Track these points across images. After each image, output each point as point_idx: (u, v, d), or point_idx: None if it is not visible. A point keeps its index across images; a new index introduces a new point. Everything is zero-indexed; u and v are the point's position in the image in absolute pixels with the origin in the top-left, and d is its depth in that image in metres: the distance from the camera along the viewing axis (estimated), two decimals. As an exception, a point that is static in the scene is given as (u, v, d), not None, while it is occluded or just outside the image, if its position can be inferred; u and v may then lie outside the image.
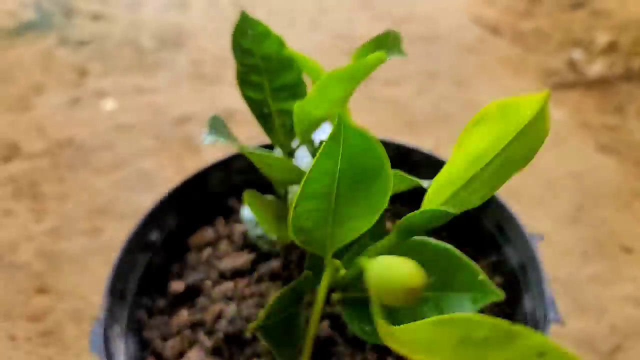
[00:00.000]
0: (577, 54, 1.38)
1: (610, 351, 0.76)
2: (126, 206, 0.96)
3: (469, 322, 0.24)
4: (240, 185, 0.59)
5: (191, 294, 0.55)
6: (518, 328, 0.23)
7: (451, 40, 1.50)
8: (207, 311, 0.51)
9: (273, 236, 0.52)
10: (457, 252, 0.36)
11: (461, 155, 0.31)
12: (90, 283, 0.83)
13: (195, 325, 0.51)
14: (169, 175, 1.04)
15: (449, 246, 0.36)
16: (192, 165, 1.06)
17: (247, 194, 0.44)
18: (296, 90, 0.45)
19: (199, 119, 1.20)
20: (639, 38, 1.39)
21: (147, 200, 0.96)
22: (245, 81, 0.44)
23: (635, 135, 1.16)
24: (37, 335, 0.77)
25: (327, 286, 0.35)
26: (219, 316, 0.49)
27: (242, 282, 0.52)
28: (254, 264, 0.55)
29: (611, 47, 1.37)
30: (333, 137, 0.30)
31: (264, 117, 0.46)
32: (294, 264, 0.52)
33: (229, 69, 1.39)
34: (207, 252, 0.59)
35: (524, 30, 1.53)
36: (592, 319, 0.81)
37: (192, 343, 0.49)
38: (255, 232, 0.56)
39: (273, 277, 0.52)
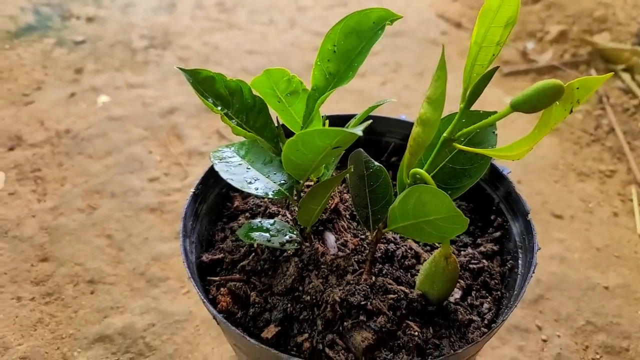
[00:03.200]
0: (531, 44, 1.49)
1: (533, 300, 0.88)
2: (118, 187, 1.08)
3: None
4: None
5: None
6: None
7: (417, 34, 1.62)
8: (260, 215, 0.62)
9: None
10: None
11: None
12: (86, 252, 0.96)
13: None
14: (157, 159, 1.16)
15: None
16: (177, 151, 1.19)
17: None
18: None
19: (184, 110, 1.32)
20: (588, 28, 1.51)
21: (136, 181, 1.09)
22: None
23: (577, 117, 1.28)
24: (40, 296, 0.89)
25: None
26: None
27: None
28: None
29: (562, 37, 1.49)
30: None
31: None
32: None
33: (211, 64, 1.51)
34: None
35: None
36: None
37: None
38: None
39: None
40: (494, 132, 0.53)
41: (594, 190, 1.09)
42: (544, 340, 0.81)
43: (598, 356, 0.79)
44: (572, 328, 0.83)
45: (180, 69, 0.48)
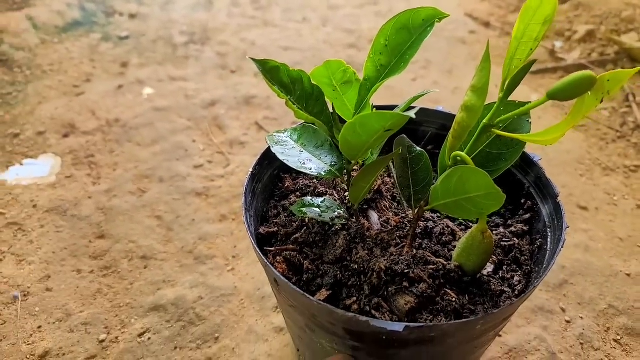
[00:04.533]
0: (559, 43, 1.53)
1: (558, 285, 0.93)
2: (165, 172, 1.16)
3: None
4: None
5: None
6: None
7: (445, 33, 1.67)
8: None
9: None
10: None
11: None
12: (138, 231, 1.03)
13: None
14: (200, 148, 1.24)
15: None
16: (219, 140, 1.26)
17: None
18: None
19: (224, 102, 1.39)
20: (616, 28, 1.54)
21: (183, 168, 1.17)
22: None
23: (604, 114, 1.32)
24: (98, 269, 0.97)
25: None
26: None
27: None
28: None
29: (590, 36, 1.53)
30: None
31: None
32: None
33: (248, 61, 1.58)
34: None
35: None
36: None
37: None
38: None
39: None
40: (528, 120, 0.59)
41: (619, 184, 1.13)
42: (568, 322, 0.86)
43: (619, 337, 0.84)
44: (595, 311, 0.88)
45: (252, 59, 0.55)
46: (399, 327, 0.49)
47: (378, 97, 1.40)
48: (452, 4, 1.89)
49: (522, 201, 0.71)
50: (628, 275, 0.94)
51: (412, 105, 0.63)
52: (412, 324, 0.49)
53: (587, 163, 1.19)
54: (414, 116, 0.46)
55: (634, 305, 0.89)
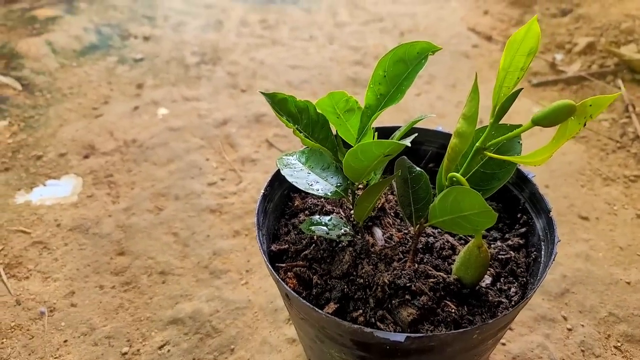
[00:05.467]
0: (559, 55, 1.57)
1: (560, 294, 0.97)
2: (181, 190, 1.22)
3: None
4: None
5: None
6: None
7: (449, 47, 1.71)
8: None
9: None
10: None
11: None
12: (156, 247, 1.09)
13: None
14: (214, 166, 1.29)
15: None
16: (231, 158, 1.32)
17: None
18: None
19: (235, 121, 1.45)
20: (615, 40, 1.57)
21: (197, 186, 1.22)
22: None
23: (604, 125, 1.35)
24: (119, 285, 1.02)
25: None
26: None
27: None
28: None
29: (590, 48, 1.56)
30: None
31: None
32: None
33: (258, 79, 1.64)
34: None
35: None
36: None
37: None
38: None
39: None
40: (519, 141, 0.63)
41: (619, 194, 1.16)
42: (569, 329, 0.90)
43: (619, 344, 0.87)
44: (596, 319, 0.91)
45: (262, 93, 0.60)
46: (400, 337, 0.54)
47: (384, 113, 1.45)
48: (455, 18, 1.93)
49: (518, 216, 0.75)
50: (628, 283, 0.97)
51: (415, 125, 0.68)
52: (412, 335, 0.54)
53: (587, 174, 1.22)
54: (409, 144, 0.51)
55: (633, 312, 0.92)
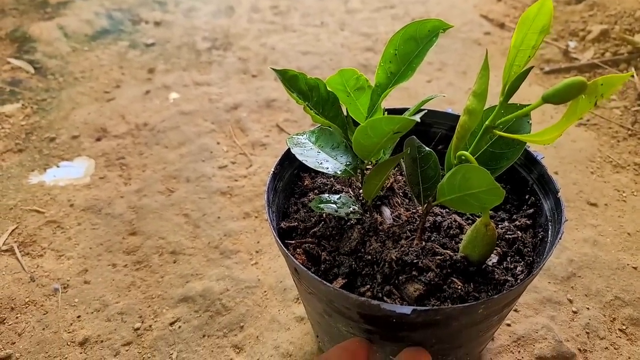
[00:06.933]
0: (573, 43, 1.56)
1: (566, 277, 0.97)
2: (191, 173, 1.23)
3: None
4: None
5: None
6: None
7: (461, 35, 1.71)
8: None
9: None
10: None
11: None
12: (167, 228, 1.10)
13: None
14: (224, 149, 1.30)
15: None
16: (242, 142, 1.33)
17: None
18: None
19: (246, 106, 1.46)
20: (629, 28, 1.56)
21: (208, 169, 1.24)
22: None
23: (615, 112, 1.35)
24: (131, 264, 1.04)
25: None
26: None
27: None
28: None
29: (603, 36, 1.55)
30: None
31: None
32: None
33: (269, 65, 1.65)
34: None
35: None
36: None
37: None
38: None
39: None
40: (528, 121, 0.63)
41: (629, 181, 1.16)
42: (574, 312, 0.90)
43: (624, 327, 0.88)
44: (601, 302, 0.92)
45: (273, 69, 0.61)
46: (407, 310, 0.55)
47: (395, 99, 1.45)
48: (467, 5, 1.92)
49: (526, 197, 0.75)
50: (635, 268, 0.97)
51: (422, 107, 0.68)
52: (419, 307, 0.54)
53: (598, 160, 1.22)
54: (419, 120, 0.51)
55: (639, 296, 0.92)
